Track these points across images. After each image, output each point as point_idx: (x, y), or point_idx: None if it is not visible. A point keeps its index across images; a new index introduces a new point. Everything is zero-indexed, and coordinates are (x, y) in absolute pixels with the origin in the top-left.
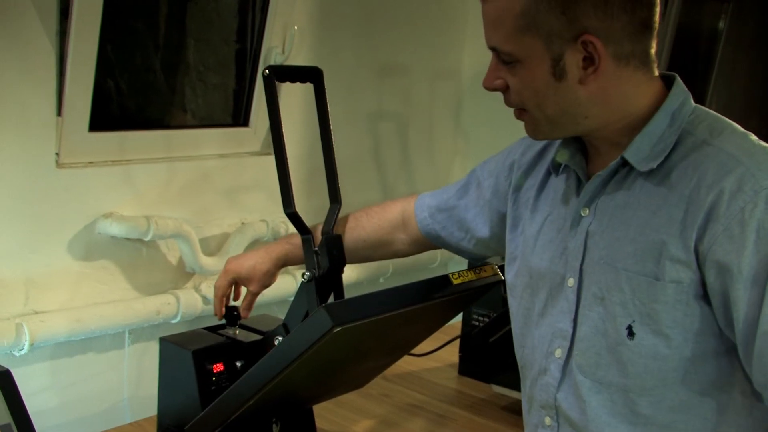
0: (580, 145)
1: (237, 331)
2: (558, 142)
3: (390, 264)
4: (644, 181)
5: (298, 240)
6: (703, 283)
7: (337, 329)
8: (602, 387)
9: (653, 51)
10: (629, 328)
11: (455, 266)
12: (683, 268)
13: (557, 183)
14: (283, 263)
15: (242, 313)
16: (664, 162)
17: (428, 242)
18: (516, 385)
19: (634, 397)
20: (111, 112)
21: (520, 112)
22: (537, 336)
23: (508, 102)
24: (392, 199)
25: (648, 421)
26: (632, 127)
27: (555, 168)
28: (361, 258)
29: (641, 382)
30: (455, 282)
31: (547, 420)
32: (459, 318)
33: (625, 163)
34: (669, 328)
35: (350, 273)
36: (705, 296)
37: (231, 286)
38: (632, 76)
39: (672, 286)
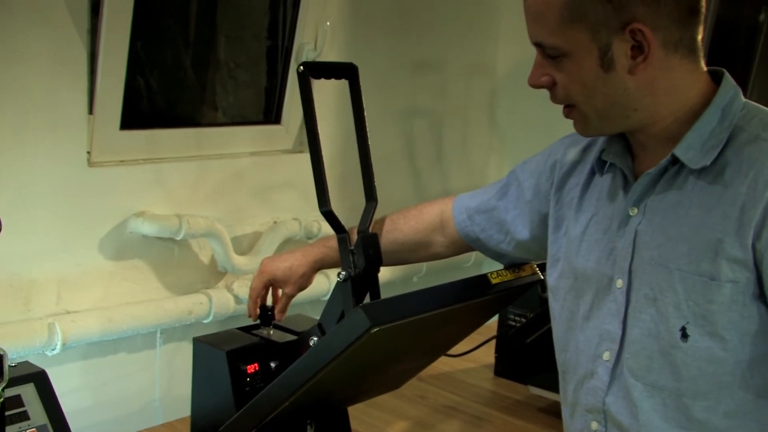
0: (626, 143)
1: (271, 332)
2: (601, 140)
3: (424, 263)
4: (696, 179)
5: (333, 242)
6: (761, 283)
7: (375, 330)
8: (655, 391)
9: (700, 38)
10: (683, 329)
11: (490, 265)
12: (740, 267)
13: (602, 182)
14: (320, 266)
15: (276, 316)
16: (716, 159)
17: (466, 244)
18: (554, 387)
19: (687, 402)
20: (142, 110)
21: (569, 110)
22: (582, 339)
23: (554, 99)
24: (429, 201)
25: (702, 426)
26: (682, 123)
27: (599, 167)
28: (398, 261)
29: (695, 386)
30: (494, 281)
31: (594, 425)
32: (495, 318)
33: (675, 160)
34: (725, 330)
35: (383, 273)
36: (762, 296)
37: (266, 288)
38: (680, 64)
39: (728, 285)
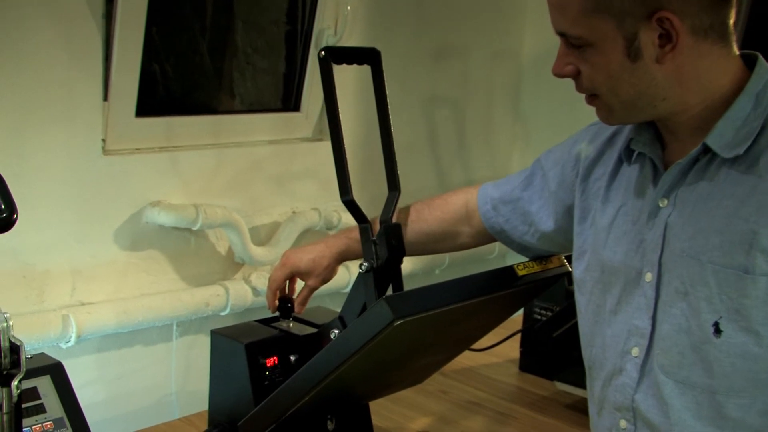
0: (655, 131)
1: (291, 324)
2: (629, 128)
3: (446, 255)
4: (729, 169)
5: (356, 233)
6: None
7: (398, 322)
8: (686, 388)
9: (732, 22)
10: (716, 325)
11: (513, 257)
12: None
13: (630, 172)
14: (344, 258)
15: (296, 308)
16: (750, 147)
17: (492, 236)
18: (581, 383)
19: (721, 400)
20: (157, 97)
21: (592, 98)
22: (609, 334)
23: (579, 88)
24: (454, 190)
25: (736, 425)
26: (713, 110)
27: (627, 156)
28: (423, 251)
29: (729, 383)
30: (520, 273)
31: (623, 423)
32: (520, 312)
33: (706, 150)
34: (760, 325)
35: (405, 264)
36: None
37: (287, 280)
38: (711, 50)
39: (763, 279)
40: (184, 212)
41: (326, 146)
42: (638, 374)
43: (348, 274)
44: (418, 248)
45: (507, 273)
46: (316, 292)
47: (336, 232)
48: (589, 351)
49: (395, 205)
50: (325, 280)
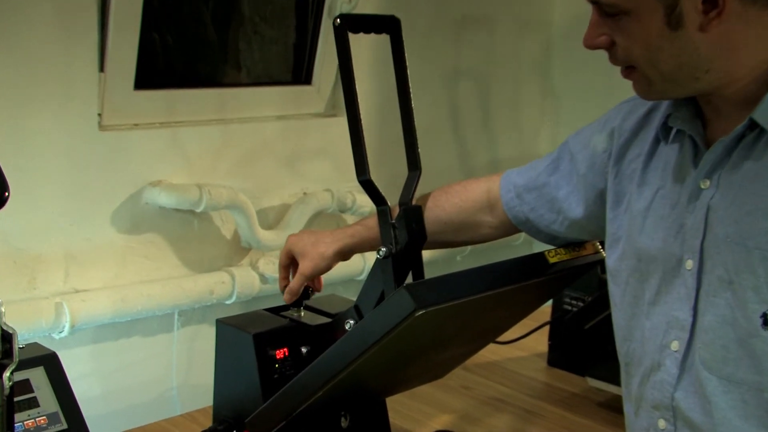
0: (696, 107)
1: (302, 313)
2: (667, 103)
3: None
4: None
5: (369, 222)
6: None
7: (420, 312)
8: (732, 385)
9: None
10: (764, 316)
11: (542, 244)
12: None
13: (668, 151)
14: (349, 250)
15: (284, 297)
16: None
17: (516, 227)
18: (615, 379)
19: None
20: (157, 69)
21: (628, 71)
22: (647, 327)
23: (614, 60)
24: (475, 178)
25: None
26: (761, 83)
27: (665, 134)
28: (442, 243)
29: None
30: (551, 261)
31: (662, 423)
32: (548, 302)
33: (753, 125)
34: None
35: (423, 251)
36: None
37: (289, 259)
38: (760, 17)
39: None
40: (187, 193)
41: (339, 122)
42: (678, 370)
43: (363, 260)
44: (436, 238)
45: (537, 260)
46: (329, 280)
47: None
48: (625, 345)
49: (415, 186)
50: (318, 269)
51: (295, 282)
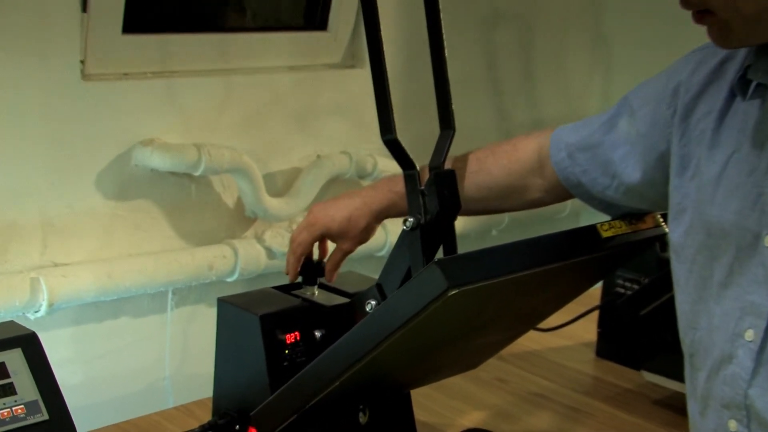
0: None
1: (316, 292)
2: (744, 52)
3: (506, 213)
4: None
5: (400, 185)
6: None
7: (453, 292)
8: None
9: None
10: None
11: (589, 216)
12: None
13: (746, 108)
14: (385, 215)
15: (327, 276)
16: None
17: (567, 191)
18: (676, 373)
19: None
20: (150, 9)
21: (702, 15)
22: (718, 313)
23: (684, 3)
24: (525, 134)
25: None
26: None
27: (743, 88)
28: (484, 209)
29: None
30: (605, 235)
31: (732, 424)
32: (598, 284)
33: None
34: None
35: (456, 222)
36: None
37: (313, 244)
38: None
39: None
40: (183, 153)
41: (359, 74)
42: (753, 363)
43: (385, 233)
44: (478, 205)
45: (588, 234)
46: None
47: (373, 182)
48: (690, 334)
49: (448, 147)
50: (362, 242)
51: (337, 258)
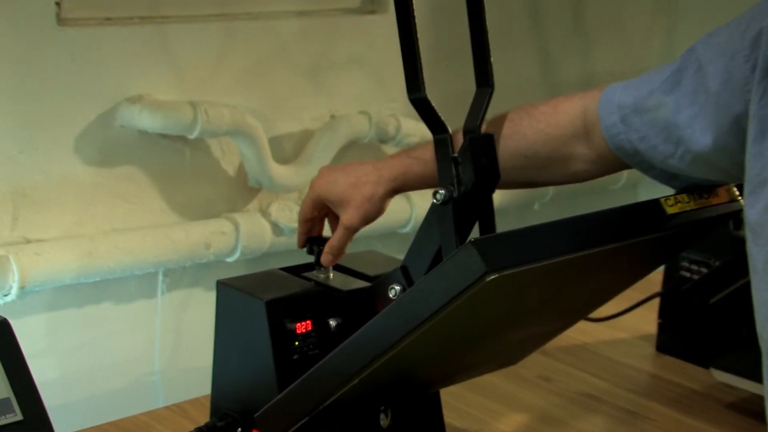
0: None
1: (331, 275)
2: None
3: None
4: None
5: (425, 153)
6: None
7: (492, 277)
8: None
9: None
10: None
11: (649, 189)
12: None
13: None
14: (400, 186)
15: (324, 259)
16: None
17: (620, 160)
18: (751, 372)
19: None
20: None
21: None
22: None
23: None
24: (567, 95)
25: None
26: None
27: None
28: (521, 181)
29: None
30: (670, 211)
31: None
32: (659, 267)
33: None
34: None
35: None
36: None
37: (317, 211)
38: None
39: None
40: (177, 113)
41: (381, 21)
42: None
43: (409, 206)
44: (513, 176)
45: (650, 210)
46: (363, 233)
47: (397, 151)
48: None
49: (486, 107)
50: (368, 217)
51: (340, 237)
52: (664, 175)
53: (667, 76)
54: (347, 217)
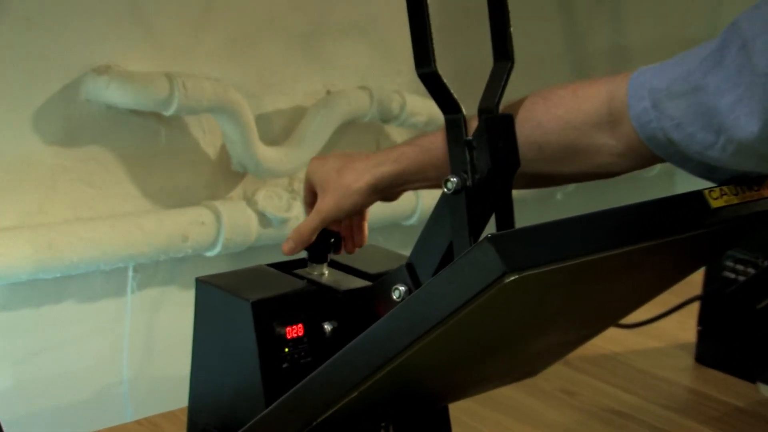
0: None
1: (325, 272)
2: None
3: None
4: None
5: (432, 140)
6: None
7: (510, 278)
8: None
9: None
10: None
11: (687, 178)
12: None
13: None
14: (392, 182)
15: (283, 245)
16: None
17: (652, 152)
18: None
19: None
20: None
21: None
22: None
23: None
24: (590, 79)
25: None
26: None
27: None
28: (534, 175)
29: None
30: (714, 205)
31: None
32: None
33: None
34: None
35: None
36: None
37: (314, 195)
38: None
39: None
40: (151, 86)
41: None
42: None
43: (415, 196)
44: (526, 169)
45: (692, 203)
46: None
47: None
48: None
49: (504, 83)
50: (341, 208)
51: (307, 222)
52: (702, 169)
53: (707, 54)
54: (321, 202)
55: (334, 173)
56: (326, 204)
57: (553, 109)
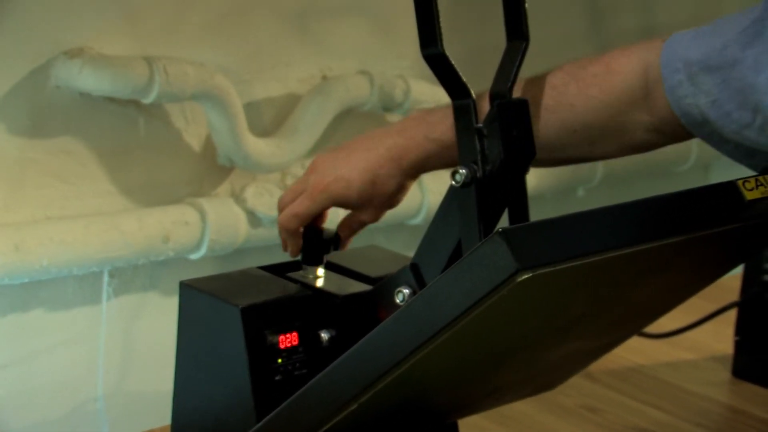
0: None
1: (321, 275)
2: None
3: (599, 165)
4: None
5: (444, 131)
6: None
7: (524, 277)
8: None
9: None
10: None
11: (724, 170)
12: None
13: None
14: (422, 168)
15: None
16: None
17: (685, 129)
18: None
19: None
20: None
21: None
22: None
23: None
24: (621, 47)
25: None
26: None
27: None
28: (567, 158)
29: None
30: (749, 196)
31: None
32: (736, 270)
33: None
34: None
35: (528, 176)
36: None
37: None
38: None
39: None
40: (128, 70)
41: None
42: None
43: (421, 193)
44: (556, 154)
45: (725, 195)
46: None
47: (403, 119)
48: None
49: (519, 64)
50: (390, 208)
51: (357, 228)
52: (741, 152)
53: (747, 25)
54: (368, 216)
55: (370, 188)
56: (372, 216)
57: (587, 90)
